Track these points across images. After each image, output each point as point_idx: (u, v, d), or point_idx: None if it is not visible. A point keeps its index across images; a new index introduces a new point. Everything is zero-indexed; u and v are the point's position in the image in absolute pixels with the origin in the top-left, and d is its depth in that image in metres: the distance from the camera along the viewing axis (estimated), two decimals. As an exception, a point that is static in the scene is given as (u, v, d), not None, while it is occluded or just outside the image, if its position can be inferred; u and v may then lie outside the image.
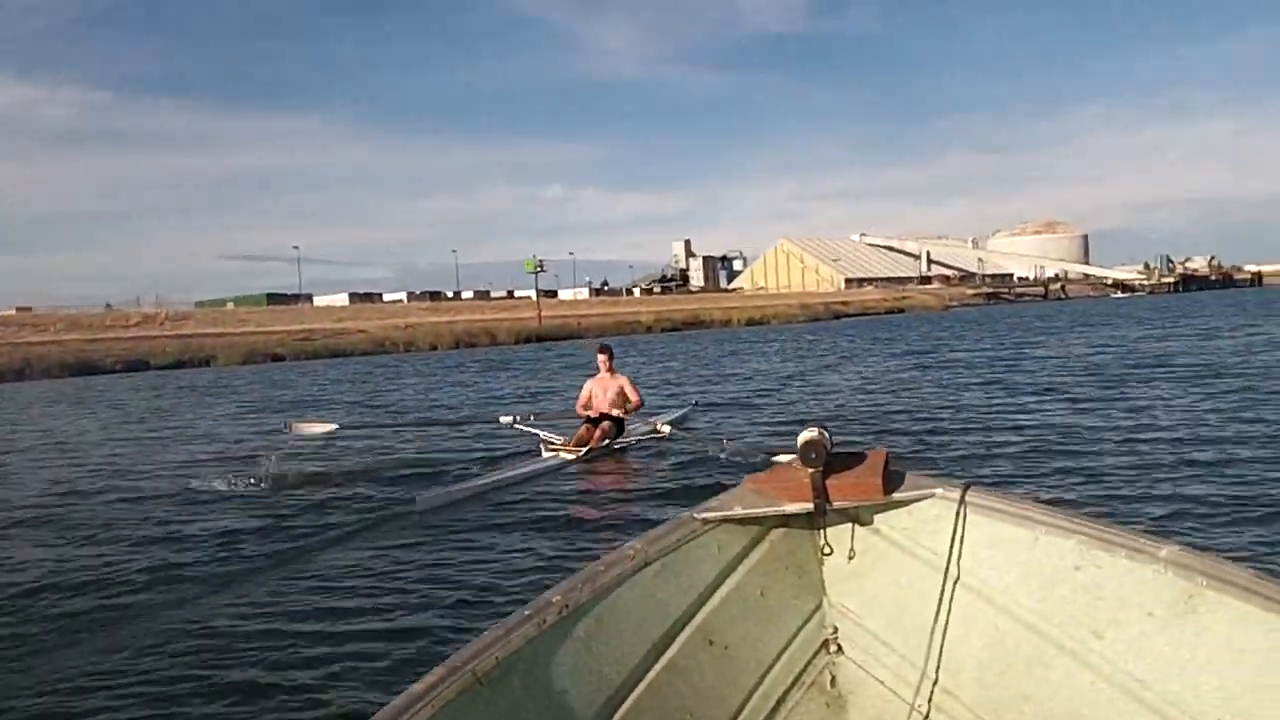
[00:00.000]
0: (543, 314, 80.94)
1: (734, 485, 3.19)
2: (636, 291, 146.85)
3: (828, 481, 2.96)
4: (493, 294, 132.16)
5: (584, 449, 11.31)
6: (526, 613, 2.44)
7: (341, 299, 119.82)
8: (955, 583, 2.86)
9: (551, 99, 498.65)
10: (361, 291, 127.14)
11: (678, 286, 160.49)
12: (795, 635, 3.06)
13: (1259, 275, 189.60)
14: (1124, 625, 2.49)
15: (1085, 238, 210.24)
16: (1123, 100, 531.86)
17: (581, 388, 12.61)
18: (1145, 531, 2.65)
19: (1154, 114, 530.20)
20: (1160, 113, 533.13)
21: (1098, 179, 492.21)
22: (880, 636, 3.01)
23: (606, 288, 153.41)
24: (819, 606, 3.13)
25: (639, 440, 12.36)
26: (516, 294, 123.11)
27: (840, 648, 3.10)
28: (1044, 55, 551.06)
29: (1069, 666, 2.57)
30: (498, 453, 12.02)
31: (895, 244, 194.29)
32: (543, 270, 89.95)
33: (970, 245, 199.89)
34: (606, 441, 11.72)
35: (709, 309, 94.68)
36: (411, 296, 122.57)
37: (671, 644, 2.77)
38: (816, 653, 3.09)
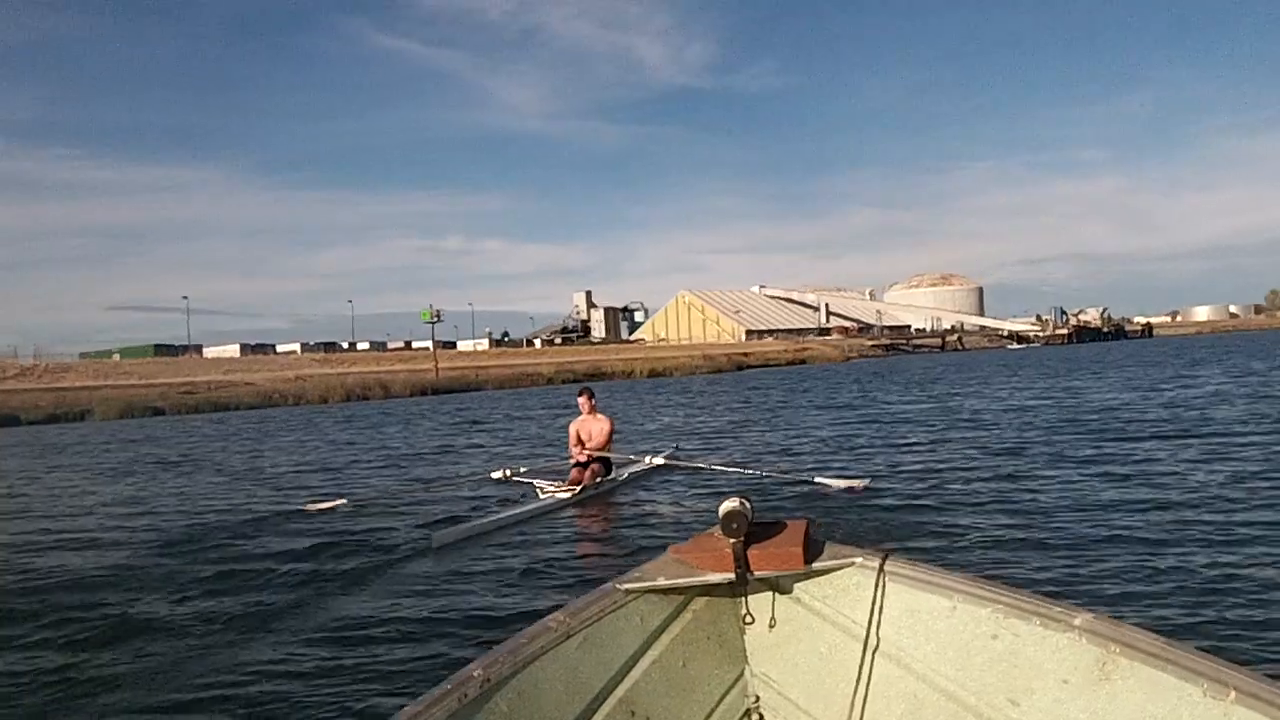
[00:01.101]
0: (441, 365, 79.49)
1: (657, 555, 3.23)
2: (538, 342, 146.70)
3: (749, 551, 3.00)
4: (390, 345, 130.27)
5: (578, 488, 11.88)
6: (447, 686, 2.43)
7: (232, 350, 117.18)
8: (875, 651, 2.91)
9: (454, 150, 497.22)
10: (254, 343, 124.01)
11: (579, 337, 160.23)
12: (717, 705, 3.07)
13: (1149, 326, 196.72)
14: (1040, 693, 2.54)
15: (980, 290, 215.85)
16: (1014, 157, 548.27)
17: (568, 430, 13.05)
18: (1060, 599, 2.70)
19: (1045, 171, 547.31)
20: (1051, 170, 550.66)
21: (991, 233, 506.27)
22: (801, 705, 3.05)
23: (507, 339, 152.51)
24: (741, 676, 3.16)
25: (630, 475, 13.14)
26: (414, 345, 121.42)
27: (762, 717, 3.13)
28: (938, 113, 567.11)
29: None
30: (496, 499, 12.27)
31: (795, 296, 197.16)
32: (439, 320, 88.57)
33: (868, 297, 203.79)
34: (599, 480, 12.32)
35: (611, 360, 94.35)
36: (305, 348, 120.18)
37: (593, 717, 2.77)
38: None
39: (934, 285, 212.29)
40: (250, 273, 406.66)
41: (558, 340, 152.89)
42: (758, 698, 3.15)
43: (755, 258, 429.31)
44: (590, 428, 12.71)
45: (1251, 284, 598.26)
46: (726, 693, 3.12)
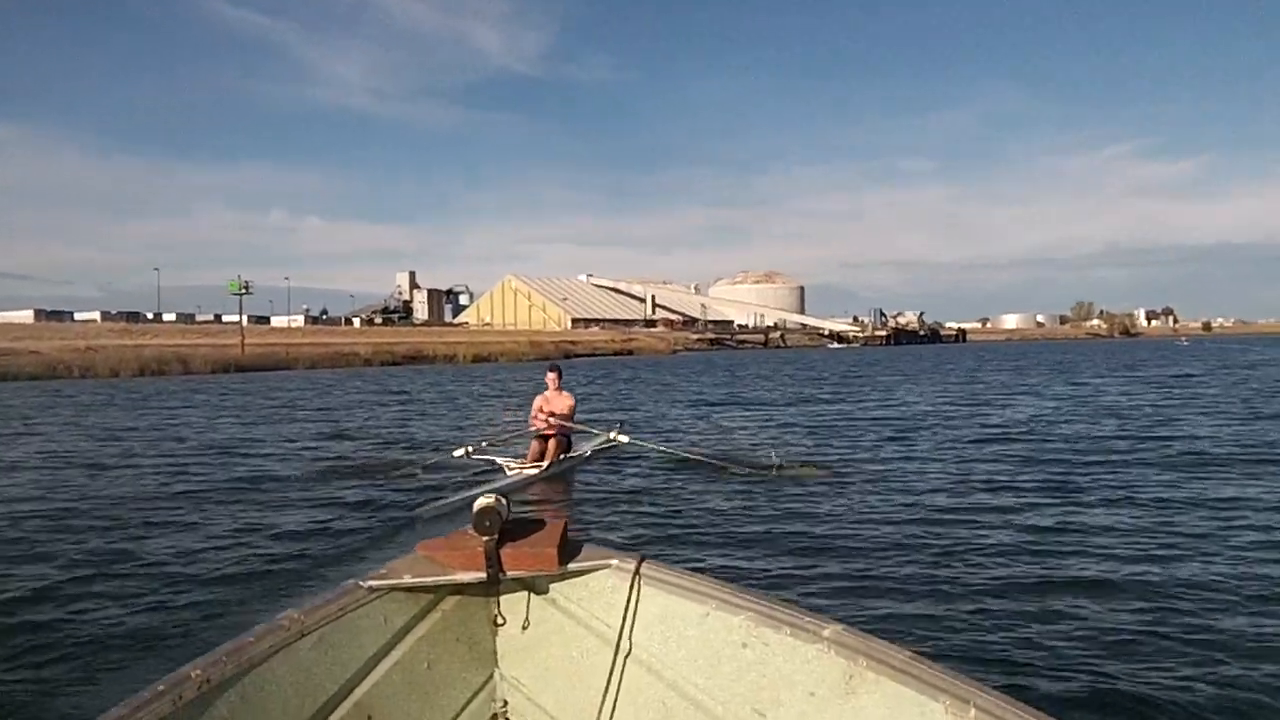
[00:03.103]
0: (250, 342, 75.86)
1: (406, 552, 3.07)
2: (356, 322, 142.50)
3: (502, 550, 2.93)
4: (199, 318, 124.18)
5: (545, 464, 12.39)
6: (160, 688, 2.26)
7: (26, 316, 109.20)
8: (627, 657, 2.89)
9: (279, 124, 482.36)
10: (53, 309, 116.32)
11: (401, 319, 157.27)
12: (462, 710, 3.01)
13: (963, 332, 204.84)
14: (786, 705, 2.54)
15: (802, 289, 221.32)
16: (841, 163, 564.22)
17: (532, 404, 13.52)
18: (812, 609, 2.68)
19: (870, 178, 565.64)
20: (876, 177, 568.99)
21: (815, 235, 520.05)
22: (550, 711, 3.02)
23: (325, 317, 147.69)
24: (490, 679, 3.10)
25: (593, 452, 13.91)
26: (225, 319, 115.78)
27: None
28: (771, 116, 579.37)
29: None
30: (466, 475, 12.48)
31: (622, 287, 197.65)
32: (248, 292, 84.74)
33: (693, 291, 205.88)
34: (562, 456, 12.82)
35: (433, 343, 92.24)
36: (106, 317, 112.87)
37: None
38: None
39: (758, 283, 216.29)
40: (58, 239, 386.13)
41: (378, 320, 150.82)
42: (506, 702, 3.08)
43: (585, 249, 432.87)
44: (555, 404, 13.16)
45: (1058, 295, 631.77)
46: (473, 697, 3.03)
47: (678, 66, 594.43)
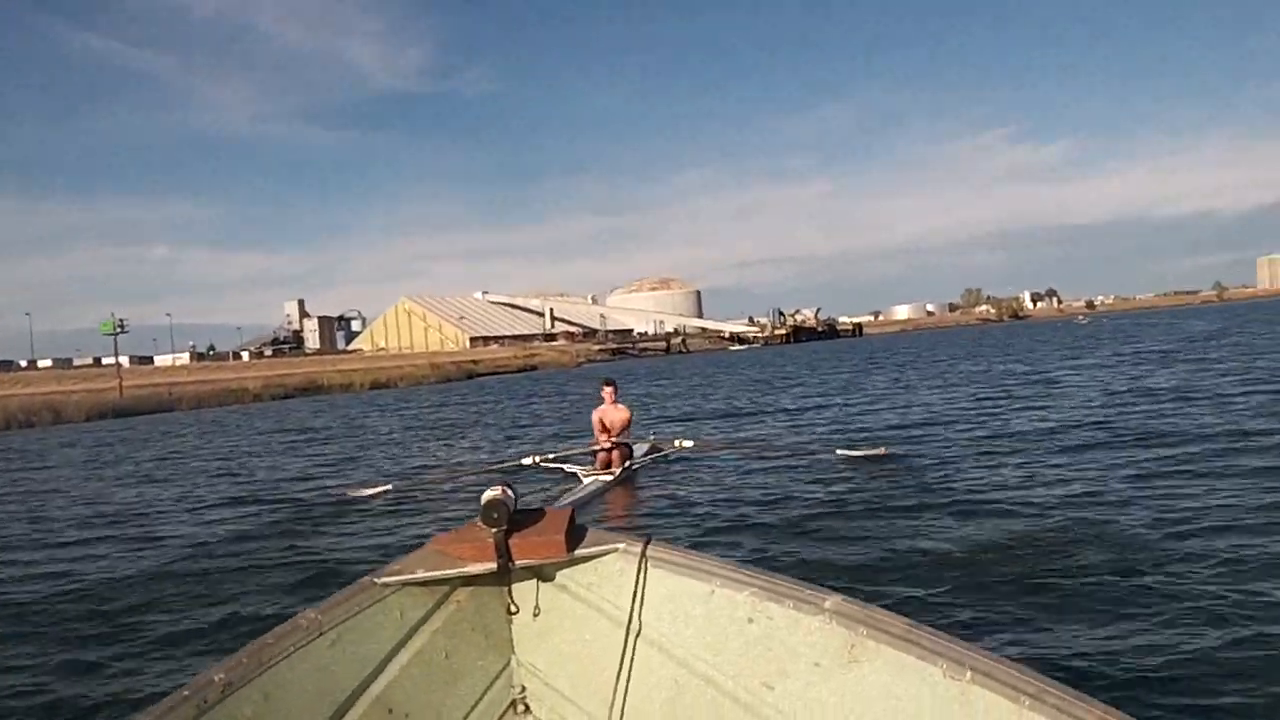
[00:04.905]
0: (131, 383, 71.12)
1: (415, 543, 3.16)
2: (245, 355, 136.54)
3: (511, 540, 2.97)
4: (77, 362, 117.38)
5: (618, 470, 12.64)
6: (185, 693, 2.32)
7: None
8: (637, 637, 2.94)
9: (156, 154, 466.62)
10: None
11: (292, 349, 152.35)
12: (481, 697, 3.05)
13: (859, 326, 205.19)
14: (792, 676, 2.60)
15: (699, 293, 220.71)
16: (727, 165, 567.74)
17: (591, 418, 13.89)
18: (812, 582, 2.74)
19: (755, 178, 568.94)
20: (761, 177, 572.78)
21: (707, 238, 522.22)
22: (566, 694, 3.06)
23: (212, 352, 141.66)
24: (507, 666, 3.15)
25: (657, 458, 13.97)
26: (105, 361, 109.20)
27: (528, 707, 3.13)
28: (654, 121, 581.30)
29: (742, 718, 2.68)
30: (543, 483, 12.68)
31: (519, 301, 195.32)
32: (123, 331, 79.57)
33: (591, 302, 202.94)
34: (628, 463, 13.05)
35: (327, 372, 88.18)
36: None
37: (346, 717, 2.70)
38: (503, 714, 3.12)
39: (654, 289, 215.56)
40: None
41: (268, 353, 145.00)
42: (523, 688, 3.13)
43: (479, 264, 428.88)
44: (612, 416, 13.45)
45: (943, 282, 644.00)
46: (491, 684, 3.07)
47: (559, 76, 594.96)
